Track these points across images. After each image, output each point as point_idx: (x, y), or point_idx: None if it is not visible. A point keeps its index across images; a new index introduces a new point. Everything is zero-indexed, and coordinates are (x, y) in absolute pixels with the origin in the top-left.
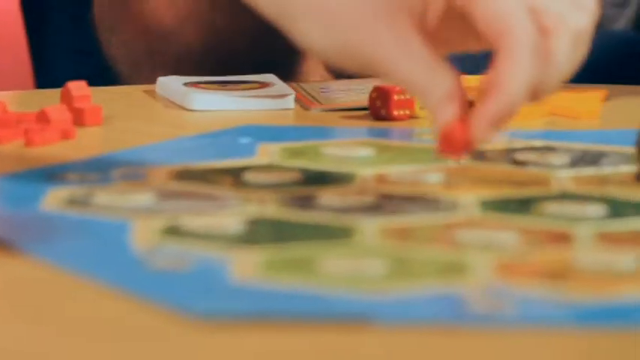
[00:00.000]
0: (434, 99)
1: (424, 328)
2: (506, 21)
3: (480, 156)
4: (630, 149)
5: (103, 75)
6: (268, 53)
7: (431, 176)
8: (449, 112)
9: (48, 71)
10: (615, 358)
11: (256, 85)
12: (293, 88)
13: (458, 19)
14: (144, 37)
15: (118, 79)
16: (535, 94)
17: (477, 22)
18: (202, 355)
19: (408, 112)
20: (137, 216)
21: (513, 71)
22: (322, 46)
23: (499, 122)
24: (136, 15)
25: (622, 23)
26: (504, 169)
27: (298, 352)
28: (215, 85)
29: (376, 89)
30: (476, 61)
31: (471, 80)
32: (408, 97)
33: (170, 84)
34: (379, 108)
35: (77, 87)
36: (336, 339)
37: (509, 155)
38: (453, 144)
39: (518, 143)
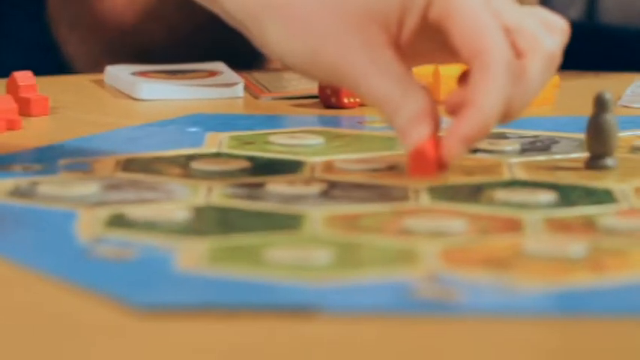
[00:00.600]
0: (404, 118)
1: (371, 317)
2: (482, 39)
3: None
4: (581, 136)
5: (61, 72)
6: (230, 48)
7: (380, 164)
8: (420, 132)
9: (5, 69)
10: (564, 345)
11: (205, 73)
12: (243, 76)
13: (433, 33)
14: (102, 34)
15: None
16: (507, 114)
17: (453, 39)
18: (146, 345)
19: (358, 100)
20: (82, 206)
21: (488, 90)
22: (289, 54)
23: (472, 141)
24: (95, 12)
25: (575, 11)
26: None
27: (243, 342)
28: (163, 75)
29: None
30: None
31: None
32: None
33: (118, 73)
34: (329, 96)
35: (23, 77)
36: (282, 328)
37: None
38: (424, 164)
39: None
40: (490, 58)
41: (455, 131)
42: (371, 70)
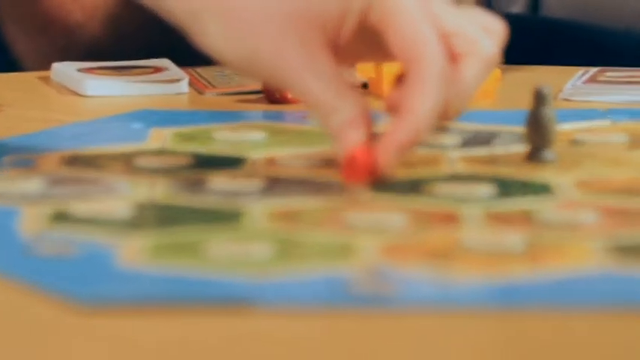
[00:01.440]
0: (338, 122)
1: (309, 311)
2: (417, 47)
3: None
4: (521, 129)
5: (10, 70)
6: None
7: (322, 159)
8: (353, 138)
9: None
10: (502, 337)
11: (150, 70)
12: (187, 72)
13: (371, 35)
14: (51, 32)
15: None
16: (443, 118)
17: (390, 45)
18: (87, 340)
19: None
20: (25, 203)
21: (421, 98)
22: (228, 53)
23: (406, 148)
24: (43, 10)
25: (518, 5)
26: None
27: (183, 336)
28: (109, 71)
29: None
30: None
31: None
32: None
33: (65, 70)
34: (273, 92)
35: None
36: (221, 322)
37: None
38: (356, 170)
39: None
40: (424, 67)
41: (389, 139)
42: (307, 72)
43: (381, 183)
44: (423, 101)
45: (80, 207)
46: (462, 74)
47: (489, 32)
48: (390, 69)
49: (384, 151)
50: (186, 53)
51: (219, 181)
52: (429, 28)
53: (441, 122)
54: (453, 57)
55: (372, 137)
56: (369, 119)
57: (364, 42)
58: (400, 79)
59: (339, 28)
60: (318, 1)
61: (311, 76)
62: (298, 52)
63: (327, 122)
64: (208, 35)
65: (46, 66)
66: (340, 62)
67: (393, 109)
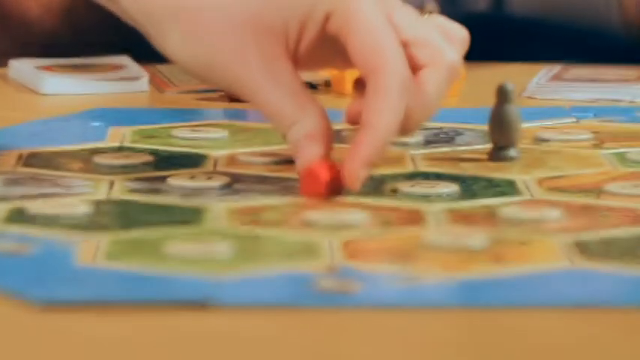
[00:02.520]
0: (297, 135)
1: (270, 309)
2: (378, 57)
3: (335, 136)
4: (485, 127)
5: None
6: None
7: (283, 157)
8: (312, 152)
9: None
10: (464, 335)
11: (109, 67)
12: (148, 70)
13: (332, 43)
14: (8, 26)
15: None
16: (405, 128)
17: (351, 54)
18: (43, 339)
19: None
20: None
21: (382, 110)
22: (187, 60)
23: (372, 162)
24: (1, 6)
25: (483, 2)
26: None
27: (141, 336)
28: (68, 69)
29: None
30: None
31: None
32: None
33: (22, 67)
34: None
35: None
36: (180, 321)
37: None
38: (315, 185)
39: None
40: (384, 78)
41: (354, 156)
42: (266, 83)
43: (339, 196)
44: (384, 115)
45: (37, 205)
46: (425, 85)
47: (452, 40)
48: None
49: (351, 169)
50: (147, 49)
51: (179, 180)
52: (391, 37)
53: (405, 133)
54: (415, 67)
55: (331, 150)
56: (330, 133)
57: (326, 50)
58: (360, 83)
59: (300, 36)
60: (279, 9)
61: (270, 87)
62: (258, 62)
63: (287, 134)
64: (166, 39)
65: (2, 63)
66: (301, 70)
67: (353, 121)
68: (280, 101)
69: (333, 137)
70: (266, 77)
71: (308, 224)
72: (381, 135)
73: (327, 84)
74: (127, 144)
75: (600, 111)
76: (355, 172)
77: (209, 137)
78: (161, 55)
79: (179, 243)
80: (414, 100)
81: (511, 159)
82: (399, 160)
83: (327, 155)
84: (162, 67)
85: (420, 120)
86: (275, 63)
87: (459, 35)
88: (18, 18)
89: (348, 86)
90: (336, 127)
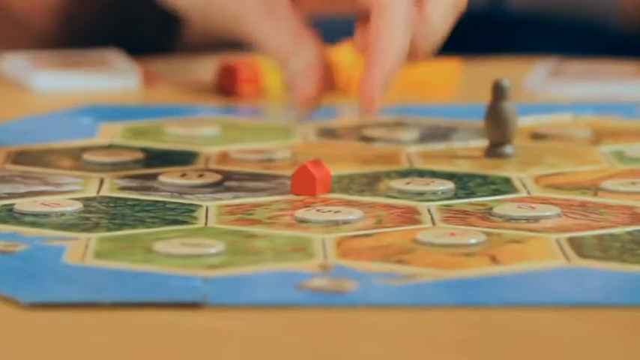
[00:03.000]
0: (296, 67)
1: (262, 309)
2: None
3: (329, 133)
4: (481, 123)
5: None
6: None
7: (277, 154)
8: (310, 82)
9: None
10: (460, 335)
11: (99, 62)
12: (139, 65)
13: None
14: None
15: None
16: (412, 56)
17: None
18: (31, 340)
19: (254, 88)
20: None
21: (391, 37)
22: (187, 3)
23: (385, 85)
24: None
25: None
26: (353, 145)
27: (132, 335)
28: (58, 64)
29: (223, 66)
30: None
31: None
32: (255, 73)
33: (12, 63)
34: (226, 85)
35: None
36: (171, 321)
37: (358, 131)
38: (307, 183)
39: (369, 119)
40: (388, 9)
41: (367, 79)
42: (266, 20)
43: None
44: (392, 40)
45: (27, 204)
46: (429, 17)
47: None
48: (342, 60)
49: (365, 90)
50: (138, 43)
51: (171, 177)
52: None
53: (412, 59)
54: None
55: (329, 84)
56: (327, 69)
57: None
58: (364, 21)
59: None
60: None
61: (270, 25)
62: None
63: (285, 68)
64: None
65: None
66: (301, 10)
67: (361, 49)
68: (279, 37)
69: (329, 74)
70: (264, 14)
71: (301, 222)
72: (391, 58)
73: None
74: (117, 141)
75: (598, 107)
76: (370, 94)
77: (201, 134)
78: (152, 49)
79: (170, 242)
80: (419, 32)
81: (507, 156)
82: (393, 157)
83: (322, 88)
84: (152, 63)
85: (425, 49)
86: (273, 0)
87: None
88: (6, 11)
89: (338, 82)
90: (331, 125)
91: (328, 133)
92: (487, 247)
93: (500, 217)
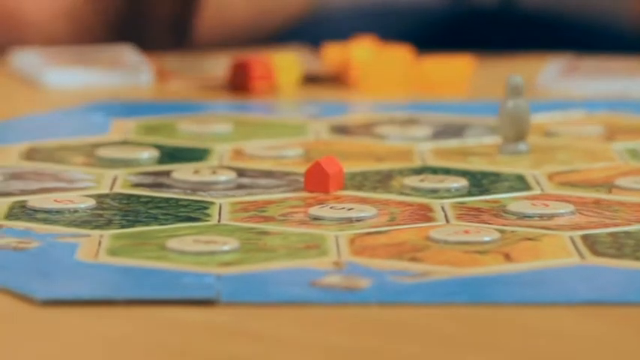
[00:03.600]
0: None
1: (276, 306)
2: None
3: (343, 130)
4: (494, 120)
5: None
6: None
7: (289, 151)
8: None
9: None
10: (473, 333)
11: (112, 58)
12: (151, 61)
13: None
14: (7, 27)
15: None
16: None
17: None
18: (43, 337)
19: (267, 85)
20: None
21: None
22: None
23: None
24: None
25: None
26: (365, 142)
27: (144, 332)
28: (70, 60)
29: (236, 62)
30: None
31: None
32: (268, 70)
33: (24, 59)
34: (239, 81)
35: None
36: (185, 318)
37: (370, 129)
38: (320, 180)
39: (381, 116)
40: None
41: None
42: None
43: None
44: None
45: (40, 200)
46: None
47: None
48: (359, 56)
49: None
50: (151, 39)
51: (184, 174)
52: None
53: None
54: None
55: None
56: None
57: None
58: None
59: None
60: None
61: None
62: None
63: None
64: None
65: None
66: None
67: None
68: None
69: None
70: None
71: (315, 219)
72: None
73: (332, 76)
74: (130, 137)
75: (612, 104)
76: None
77: (213, 131)
78: (165, 46)
79: (183, 239)
80: None
81: (520, 153)
82: (406, 154)
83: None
84: (164, 59)
85: None
86: None
87: None
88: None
89: (353, 79)
90: (344, 121)
91: (341, 130)
92: (501, 244)
93: (514, 214)
